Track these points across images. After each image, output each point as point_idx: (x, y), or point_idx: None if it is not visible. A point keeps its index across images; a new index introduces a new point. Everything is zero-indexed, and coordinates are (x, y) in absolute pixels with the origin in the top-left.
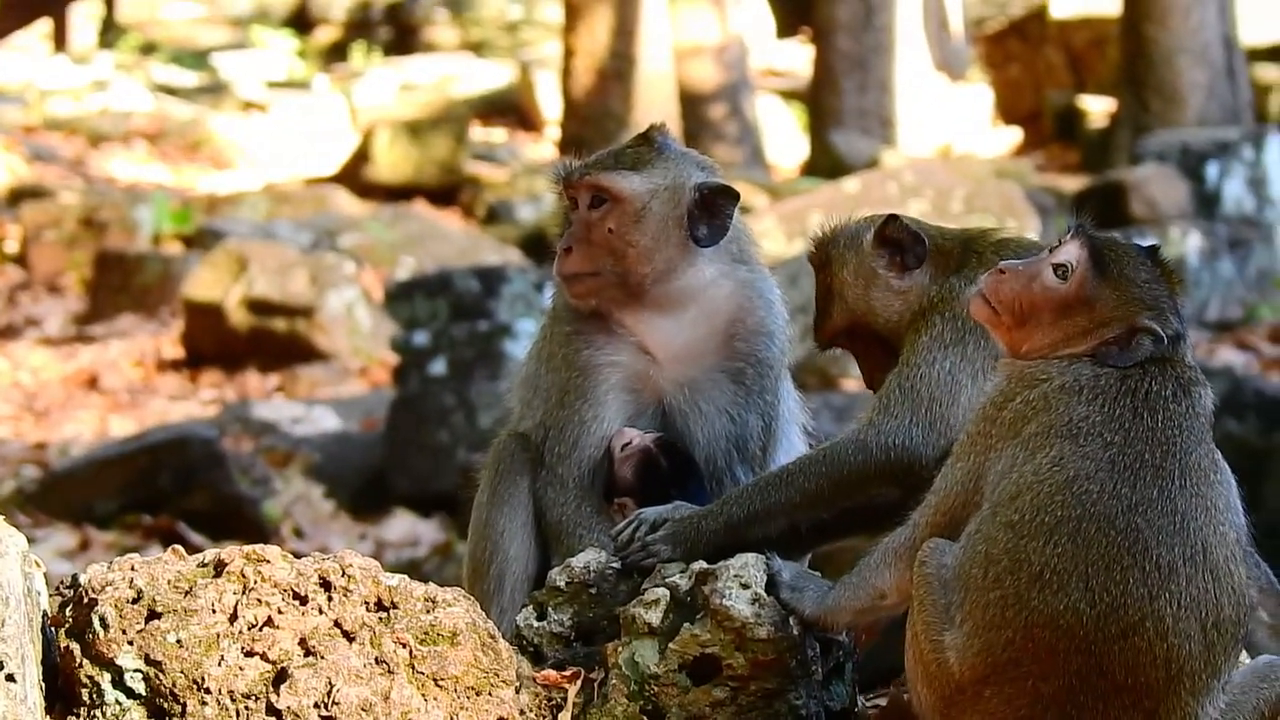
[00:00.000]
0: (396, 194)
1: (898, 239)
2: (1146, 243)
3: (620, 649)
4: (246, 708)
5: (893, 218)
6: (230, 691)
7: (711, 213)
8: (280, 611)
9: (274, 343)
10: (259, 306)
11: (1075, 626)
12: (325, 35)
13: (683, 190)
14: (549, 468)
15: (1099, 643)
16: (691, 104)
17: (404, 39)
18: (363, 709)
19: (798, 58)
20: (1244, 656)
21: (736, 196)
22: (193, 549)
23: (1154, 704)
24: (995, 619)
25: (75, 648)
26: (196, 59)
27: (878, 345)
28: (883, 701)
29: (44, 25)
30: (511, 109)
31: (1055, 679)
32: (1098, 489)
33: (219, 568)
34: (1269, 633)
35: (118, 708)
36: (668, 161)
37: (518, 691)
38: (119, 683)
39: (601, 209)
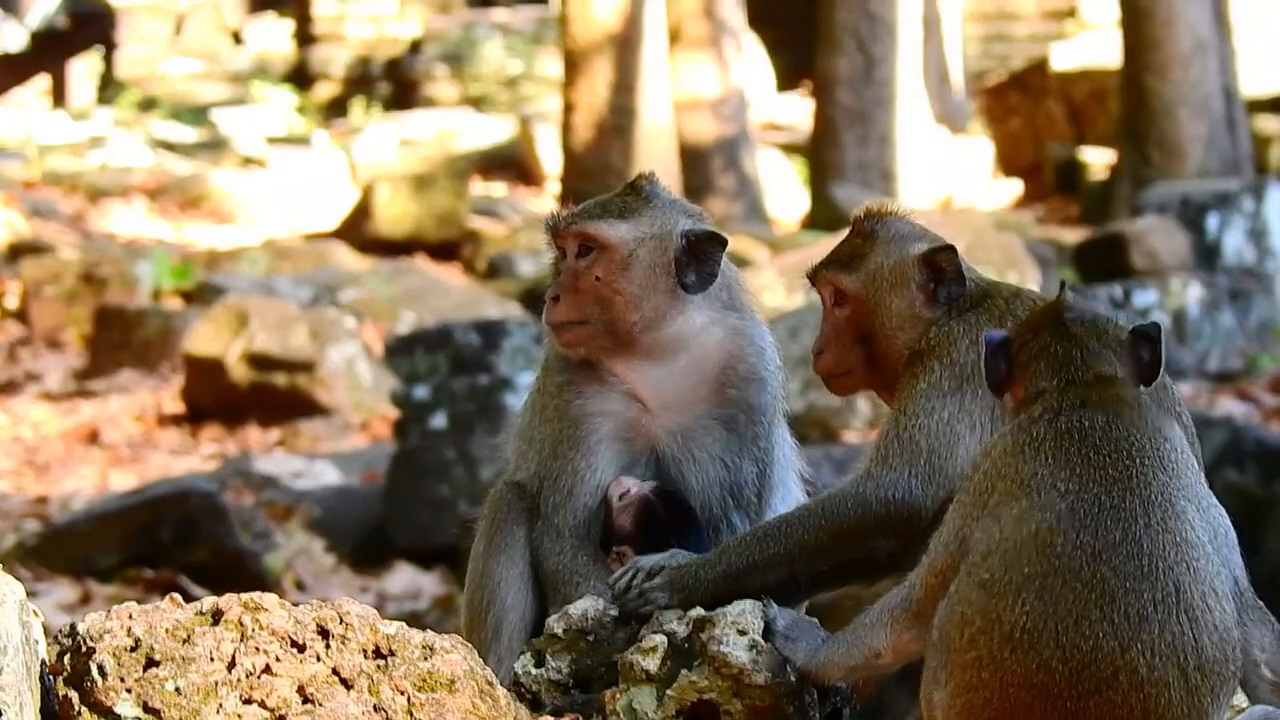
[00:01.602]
0: (397, 249)
1: (943, 269)
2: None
3: (618, 696)
4: None
5: (950, 248)
6: None
7: (700, 259)
8: (278, 659)
9: (275, 397)
10: (260, 361)
11: (1049, 685)
12: (325, 91)
13: (670, 237)
14: (545, 517)
15: (1074, 699)
16: (691, 157)
17: (404, 94)
18: None
19: (798, 111)
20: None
21: (724, 243)
22: (193, 602)
23: None
24: (973, 680)
25: (73, 696)
26: (196, 115)
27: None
28: None
29: (43, 81)
30: (512, 163)
31: None
32: (1060, 540)
33: (217, 616)
34: (1271, 689)
35: None
36: (655, 209)
37: None
38: None
39: (589, 258)
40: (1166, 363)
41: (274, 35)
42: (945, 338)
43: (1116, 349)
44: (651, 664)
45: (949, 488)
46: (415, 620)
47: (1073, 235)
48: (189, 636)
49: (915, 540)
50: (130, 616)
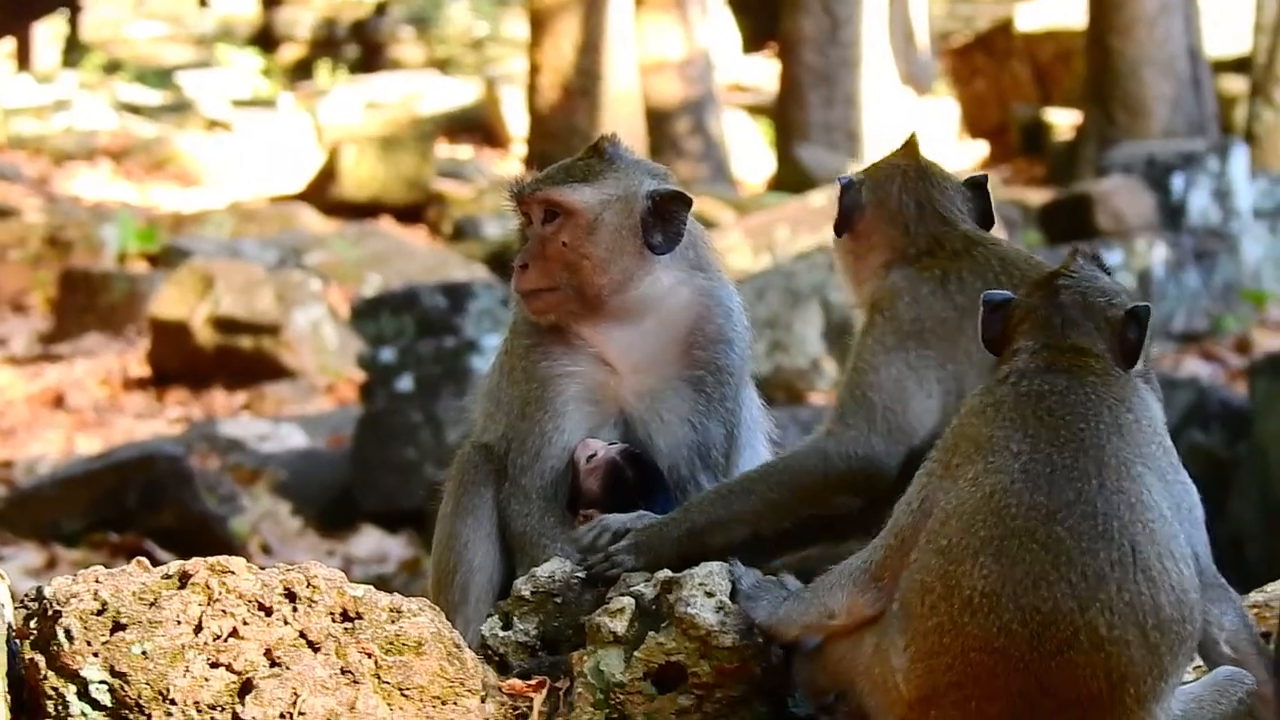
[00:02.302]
0: (363, 211)
1: (668, 215)
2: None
3: (585, 658)
4: (212, 718)
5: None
6: (196, 703)
7: (665, 220)
8: (245, 622)
9: (240, 360)
10: (225, 324)
11: (1010, 648)
12: (290, 53)
13: (635, 199)
14: (512, 479)
15: (1036, 661)
16: (657, 119)
17: (369, 57)
18: (328, 719)
19: (764, 73)
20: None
21: (689, 202)
22: (159, 566)
23: (1100, 715)
24: (935, 646)
25: (40, 660)
26: (161, 77)
27: None
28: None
29: (7, 44)
30: (477, 126)
31: (998, 700)
32: (1015, 501)
33: (184, 579)
34: (1231, 665)
35: (83, 719)
36: (619, 171)
37: (483, 701)
38: (84, 694)
39: (554, 223)
40: (1148, 347)
41: None
42: (887, 293)
43: (1101, 324)
44: (619, 626)
45: (909, 443)
46: (382, 583)
47: (1038, 196)
48: (156, 600)
49: (878, 498)
50: (97, 580)
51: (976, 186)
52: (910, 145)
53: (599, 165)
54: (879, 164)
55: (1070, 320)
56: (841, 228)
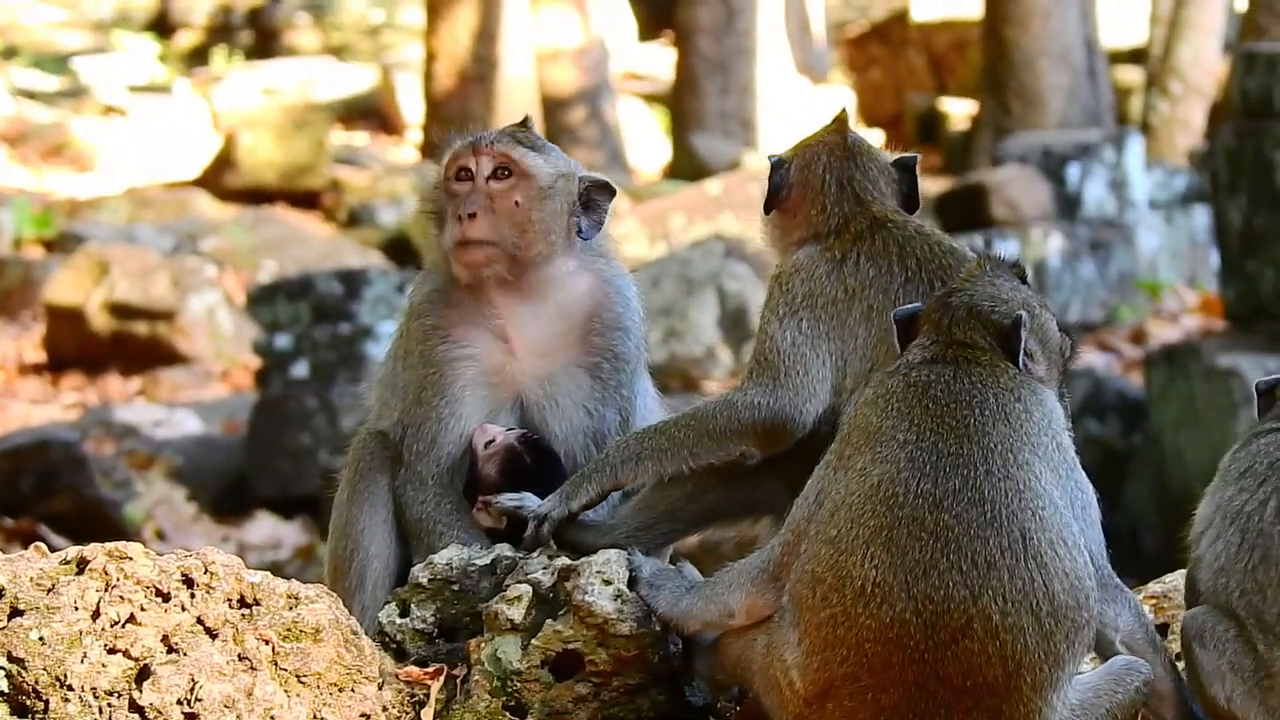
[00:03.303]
0: (258, 197)
1: (589, 204)
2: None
3: (483, 645)
4: (109, 705)
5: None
6: (93, 689)
7: (589, 208)
8: (143, 608)
9: (136, 346)
10: (121, 310)
11: (905, 638)
12: (186, 39)
13: (574, 180)
14: (408, 465)
15: (931, 650)
16: (552, 107)
17: (265, 43)
18: (226, 706)
19: (660, 61)
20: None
21: (614, 193)
22: (55, 552)
23: (997, 702)
24: (828, 638)
25: None
26: (57, 63)
27: None
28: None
29: None
30: (373, 112)
31: (894, 690)
32: (901, 490)
33: (81, 565)
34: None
35: None
36: (555, 152)
37: (381, 688)
38: None
39: (506, 181)
40: (1026, 349)
41: None
42: (787, 269)
43: (989, 329)
44: (516, 613)
45: (811, 400)
46: (276, 570)
47: (934, 186)
48: (54, 586)
49: (779, 452)
50: None
51: (904, 168)
52: (839, 121)
53: (539, 141)
54: (807, 141)
55: (957, 321)
56: (770, 205)
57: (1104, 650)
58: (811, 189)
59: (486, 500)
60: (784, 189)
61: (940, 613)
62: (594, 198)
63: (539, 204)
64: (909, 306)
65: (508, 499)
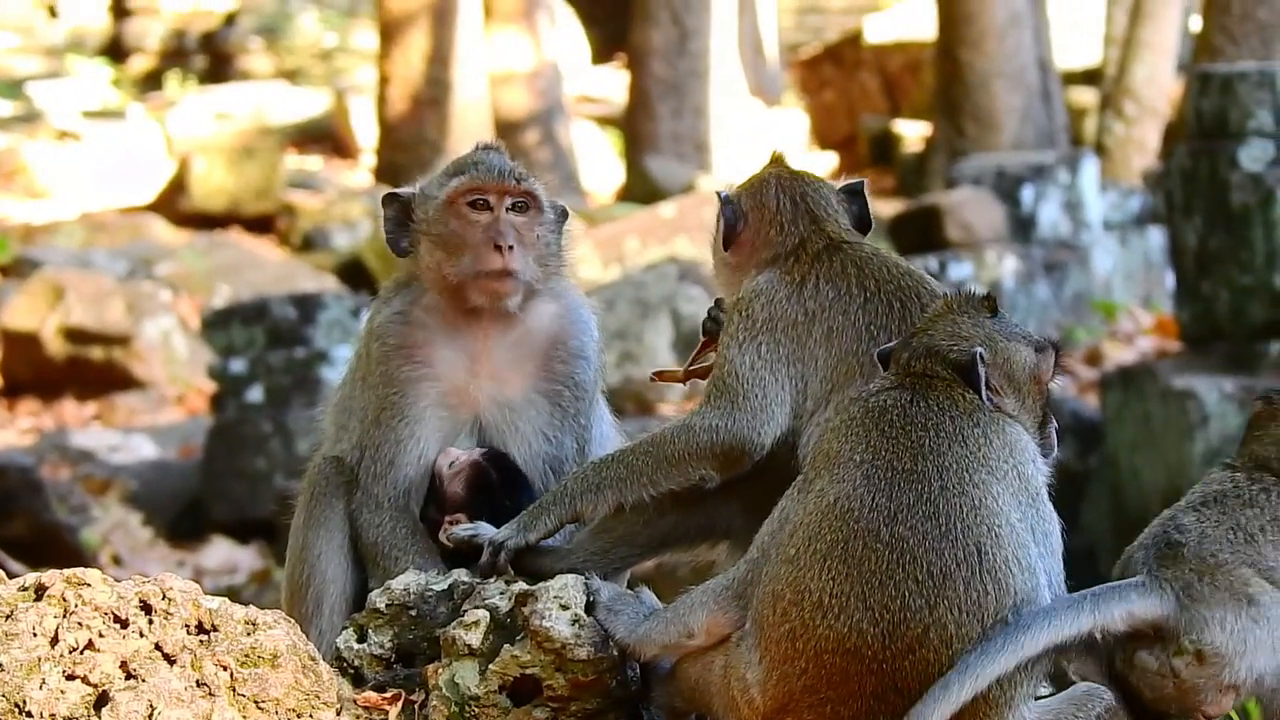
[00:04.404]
0: (212, 222)
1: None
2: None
3: (441, 670)
4: None
5: (720, 195)
6: (52, 715)
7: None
8: (101, 635)
9: (91, 371)
10: (76, 335)
11: (862, 648)
12: (140, 64)
13: (552, 209)
14: (364, 489)
15: (888, 660)
16: (505, 130)
17: (219, 67)
18: None
19: (613, 83)
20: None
21: (568, 216)
22: (12, 576)
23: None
24: (787, 651)
25: None
26: (10, 88)
27: None
28: None
29: None
30: (327, 136)
31: (853, 702)
32: (857, 504)
33: (40, 591)
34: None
35: None
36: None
37: (338, 713)
38: None
39: (525, 215)
40: (990, 384)
41: (89, 8)
42: (747, 294)
43: (949, 366)
44: (474, 638)
45: (768, 424)
46: (233, 595)
47: (888, 208)
48: (11, 612)
49: (737, 475)
50: None
51: (853, 193)
52: (777, 158)
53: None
54: (751, 177)
55: (916, 358)
56: (728, 242)
57: (1059, 679)
58: (767, 211)
59: (454, 518)
60: (739, 221)
61: (897, 622)
62: (563, 224)
63: (552, 236)
64: (890, 345)
65: (462, 529)
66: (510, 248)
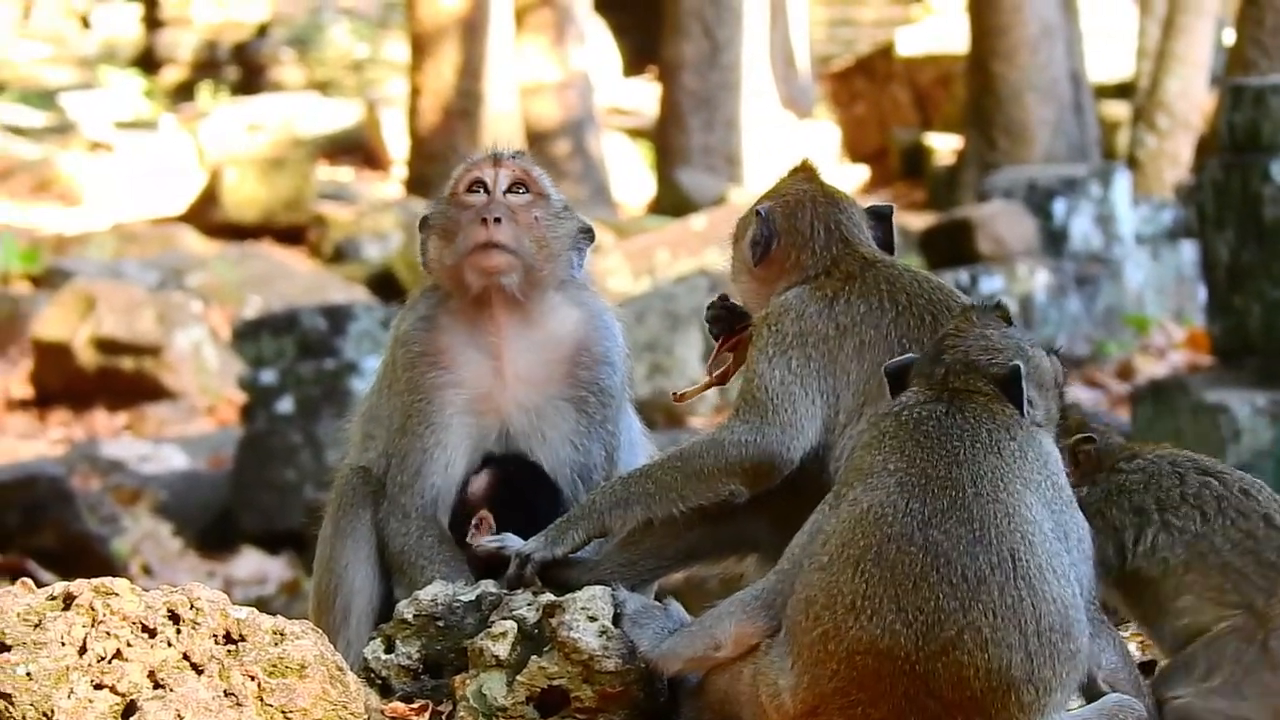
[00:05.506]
0: (244, 233)
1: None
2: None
3: (468, 681)
4: None
5: (758, 212)
6: None
7: (579, 249)
8: (129, 644)
9: (122, 381)
10: (107, 346)
11: (895, 649)
12: (172, 75)
13: (574, 218)
14: (391, 498)
15: (921, 662)
16: (536, 141)
17: (251, 78)
18: None
19: (644, 96)
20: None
21: (594, 238)
22: (41, 586)
23: (985, 718)
24: (819, 654)
25: None
26: (43, 98)
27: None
28: None
29: None
30: (358, 148)
31: (884, 703)
32: (891, 510)
33: (68, 600)
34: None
35: None
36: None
37: None
38: None
39: (524, 197)
40: (1028, 400)
41: (122, 19)
42: (776, 308)
43: (989, 381)
44: (501, 649)
45: (798, 438)
46: (262, 605)
47: (919, 221)
48: (40, 621)
49: (768, 490)
50: None
51: (880, 217)
52: (809, 170)
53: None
54: (785, 192)
55: (954, 373)
56: (760, 257)
57: (1088, 689)
58: (801, 236)
59: (482, 517)
60: (773, 240)
61: (931, 624)
62: (580, 240)
63: (556, 224)
64: (900, 359)
65: (489, 540)
66: (498, 220)
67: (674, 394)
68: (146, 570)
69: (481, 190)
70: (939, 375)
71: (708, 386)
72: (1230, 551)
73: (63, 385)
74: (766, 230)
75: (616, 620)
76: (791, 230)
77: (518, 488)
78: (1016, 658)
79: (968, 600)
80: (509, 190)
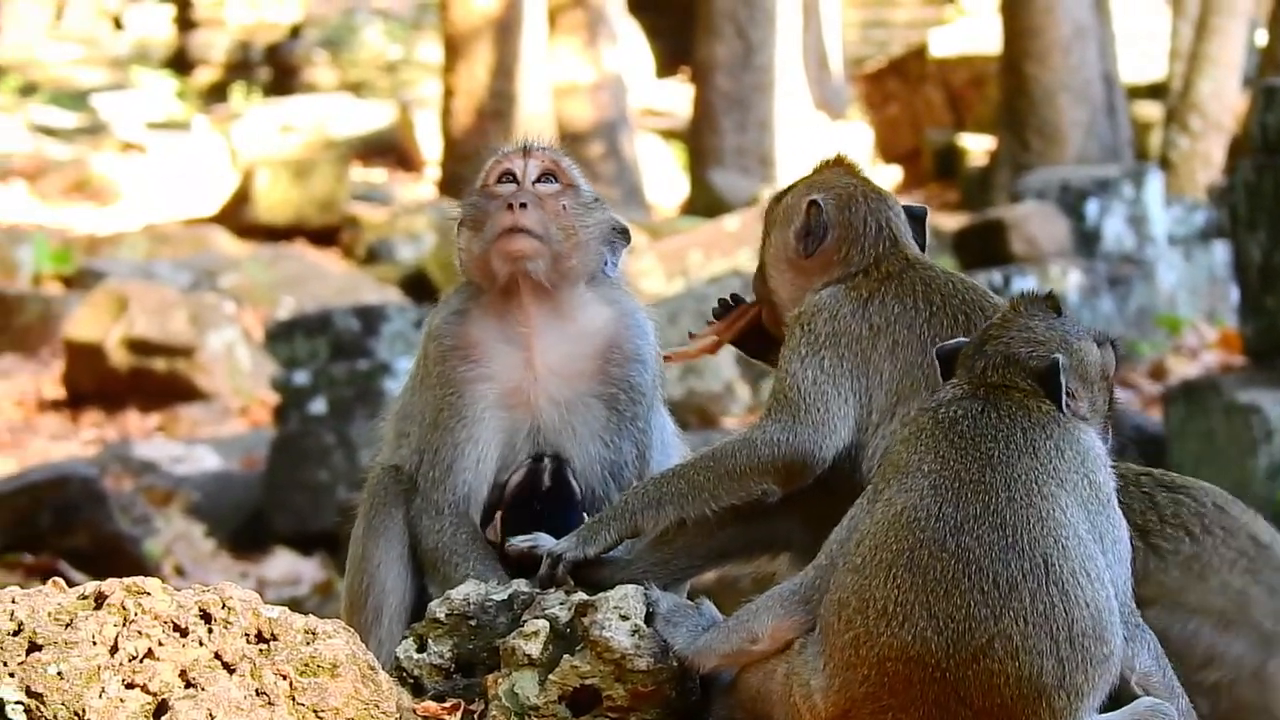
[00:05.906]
0: (276, 234)
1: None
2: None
3: (500, 680)
4: None
5: (815, 203)
6: None
7: (612, 248)
8: (161, 643)
9: (154, 382)
10: (139, 346)
11: (926, 655)
12: (205, 76)
13: (606, 213)
14: (423, 494)
15: (952, 669)
16: (570, 143)
17: (283, 79)
18: None
19: (678, 97)
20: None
21: (630, 240)
22: (73, 586)
23: None
24: (851, 658)
25: None
26: (76, 100)
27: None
28: None
29: None
30: (391, 149)
31: (915, 710)
32: (924, 515)
33: (100, 600)
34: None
35: None
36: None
37: None
38: (0, 714)
39: (553, 186)
40: (1067, 389)
41: (154, 20)
42: (810, 307)
43: (1028, 374)
44: (534, 648)
45: (831, 437)
46: (295, 605)
47: (952, 221)
48: (72, 621)
49: (800, 489)
50: (13, 600)
51: (915, 218)
52: (847, 164)
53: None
54: (833, 185)
55: (994, 367)
56: (813, 248)
57: (1121, 691)
58: (854, 231)
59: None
60: (827, 233)
61: (962, 631)
62: (615, 239)
63: (584, 214)
64: (951, 343)
65: (521, 540)
66: (524, 205)
67: (664, 354)
68: (179, 571)
69: (511, 180)
70: (978, 369)
71: (697, 354)
72: (1229, 571)
73: (95, 386)
74: (823, 222)
75: (649, 619)
76: (845, 224)
77: (554, 487)
78: (1048, 665)
79: (999, 607)
80: (538, 180)
